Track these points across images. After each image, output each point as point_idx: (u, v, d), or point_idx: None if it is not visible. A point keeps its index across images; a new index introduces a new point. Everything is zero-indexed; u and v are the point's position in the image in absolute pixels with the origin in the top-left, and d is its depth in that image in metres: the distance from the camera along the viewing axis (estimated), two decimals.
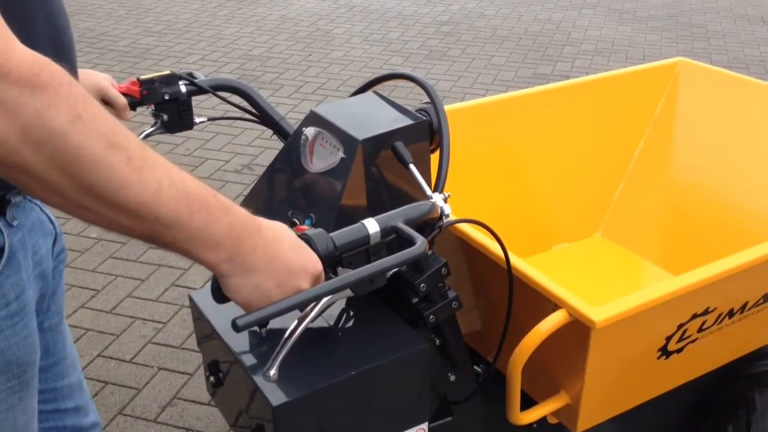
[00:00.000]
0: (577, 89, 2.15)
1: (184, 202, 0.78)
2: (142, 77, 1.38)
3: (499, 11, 6.70)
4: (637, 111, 2.25)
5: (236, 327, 0.87)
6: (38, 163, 0.69)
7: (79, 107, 0.70)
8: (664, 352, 1.44)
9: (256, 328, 1.13)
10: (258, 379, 1.12)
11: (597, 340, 1.26)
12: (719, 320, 1.47)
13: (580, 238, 2.26)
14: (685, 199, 2.21)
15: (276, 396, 1.09)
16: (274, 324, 1.17)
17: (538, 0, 7.05)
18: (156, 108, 1.40)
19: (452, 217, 1.15)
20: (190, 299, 1.31)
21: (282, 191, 1.29)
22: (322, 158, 1.24)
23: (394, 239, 1.05)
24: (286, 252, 0.87)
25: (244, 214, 0.84)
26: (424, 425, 1.24)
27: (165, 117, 1.40)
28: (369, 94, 1.35)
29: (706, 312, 1.42)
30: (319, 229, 0.99)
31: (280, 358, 0.98)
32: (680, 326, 1.41)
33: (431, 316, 1.21)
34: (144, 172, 0.74)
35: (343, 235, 1.02)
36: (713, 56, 5.40)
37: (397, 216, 1.08)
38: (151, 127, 1.42)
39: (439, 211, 1.14)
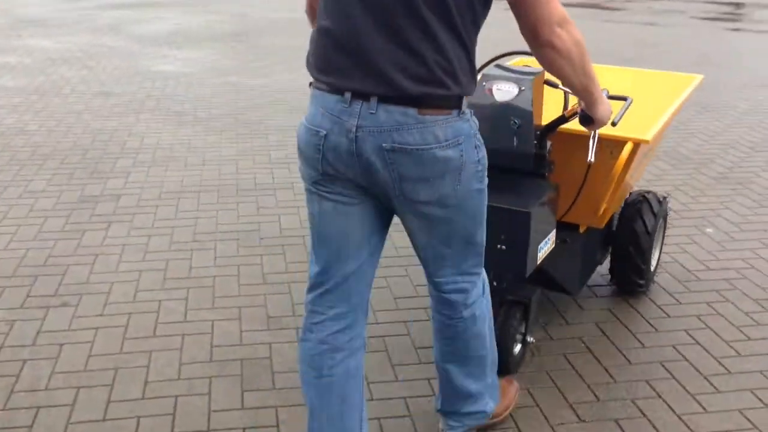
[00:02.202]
0: None
1: (592, 68, 1.81)
2: None
3: (44, 125, 5.54)
4: None
5: (614, 123, 2.10)
6: (576, 55, 1.69)
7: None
8: (624, 172, 2.56)
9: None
10: (511, 204, 2.22)
11: (636, 156, 2.52)
12: (642, 156, 2.68)
13: None
14: None
15: (526, 207, 2.20)
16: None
17: (90, 107, 6.03)
18: None
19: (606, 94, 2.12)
20: None
21: (489, 113, 2.29)
22: (502, 95, 2.27)
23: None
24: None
25: None
26: (554, 229, 2.45)
27: None
28: (495, 65, 2.39)
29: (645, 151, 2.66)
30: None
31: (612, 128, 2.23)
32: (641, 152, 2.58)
33: (547, 173, 2.38)
34: None
35: None
36: (272, 152, 4.98)
37: (602, 91, 2.01)
38: None
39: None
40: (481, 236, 1.93)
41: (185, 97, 6.43)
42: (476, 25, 1.70)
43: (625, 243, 2.95)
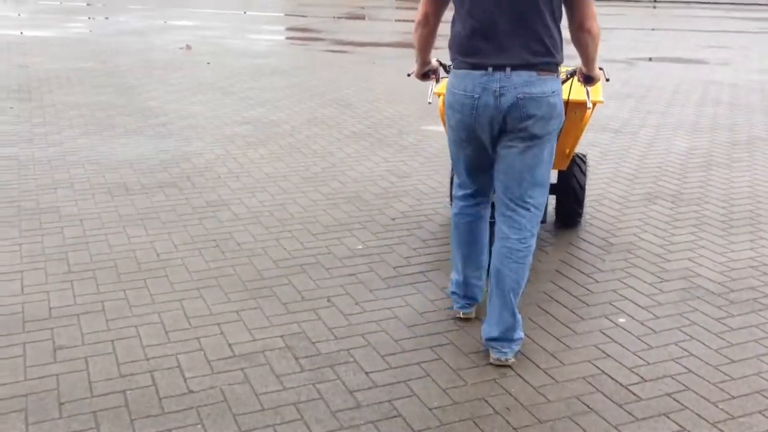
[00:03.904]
0: None
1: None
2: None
3: None
4: None
5: (608, 80, 3.16)
6: (597, 37, 2.76)
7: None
8: (586, 123, 3.77)
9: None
10: None
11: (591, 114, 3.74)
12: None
13: None
14: None
15: None
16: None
17: None
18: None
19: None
20: None
21: None
22: None
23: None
24: None
25: None
26: None
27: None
28: None
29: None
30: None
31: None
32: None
33: None
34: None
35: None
36: (70, 255, 3.83)
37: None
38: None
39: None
40: (548, 178, 2.85)
41: None
42: (561, 16, 2.74)
43: (571, 182, 4.10)
